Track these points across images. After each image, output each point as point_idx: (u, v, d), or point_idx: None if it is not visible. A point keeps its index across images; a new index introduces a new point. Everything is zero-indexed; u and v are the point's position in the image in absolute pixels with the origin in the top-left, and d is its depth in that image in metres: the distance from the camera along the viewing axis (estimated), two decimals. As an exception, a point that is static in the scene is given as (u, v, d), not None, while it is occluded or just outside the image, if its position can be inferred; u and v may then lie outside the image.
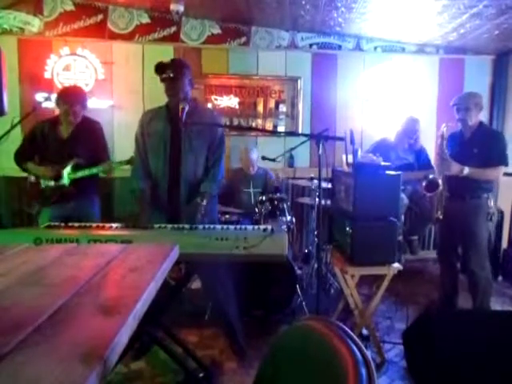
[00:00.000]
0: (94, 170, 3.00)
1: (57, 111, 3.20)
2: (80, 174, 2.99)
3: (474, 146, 2.99)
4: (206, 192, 2.55)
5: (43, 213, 3.09)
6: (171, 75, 2.48)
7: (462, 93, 3.29)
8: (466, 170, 2.88)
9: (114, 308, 0.87)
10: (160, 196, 2.61)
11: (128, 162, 3.02)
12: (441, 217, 3.22)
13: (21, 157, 3.07)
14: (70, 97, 3.02)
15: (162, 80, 2.51)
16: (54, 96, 3.28)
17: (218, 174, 2.63)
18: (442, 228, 3.37)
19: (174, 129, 2.55)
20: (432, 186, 3.07)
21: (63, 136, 3.07)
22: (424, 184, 3.11)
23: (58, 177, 2.99)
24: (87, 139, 3.08)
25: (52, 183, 3.02)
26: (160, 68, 2.47)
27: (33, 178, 3.07)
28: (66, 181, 3.00)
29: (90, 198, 3.18)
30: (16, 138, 3.25)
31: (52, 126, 3.08)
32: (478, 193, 3.02)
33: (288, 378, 0.96)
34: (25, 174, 3.18)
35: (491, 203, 3.06)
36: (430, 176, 3.06)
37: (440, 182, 3.03)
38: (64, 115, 3.01)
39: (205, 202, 2.51)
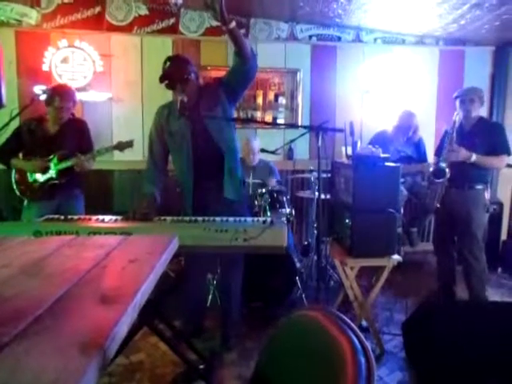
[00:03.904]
0: (82, 158, 3.00)
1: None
2: (67, 163, 2.99)
3: (475, 136, 3.03)
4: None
5: (29, 208, 3.09)
6: (180, 90, 2.35)
7: (462, 85, 3.29)
8: (474, 157, 2.93)
9: (114, 298, 0.87)
10: (185, 194, 2.54)
11: (115, 147, 3.03)
12: (438, 205, 3.24)
13: (4, 154, 3.08)
14: (66, 94, 3.07)
15: (170, 89, 2.40)
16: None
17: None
18: (439, 217, 3.40)
19: (194, 125, 2.44)
20: (439, 172, 3.07)
21: (51, 132, 3.09)
22: (432, 170, 3.12)
23: (46, 169, 3.00)
24: (74, 136, 3.12)
25: (39, 176, 3.03)
26: (164, 78, 2.35)
27: (17, 176, 3.08)
28: (53, 171, 3.01)
29: (75, 194, 3.21)
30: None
31: (38, 123, 3.10)
32: (475, 183, 3.06)
33: (287, 368, 0.96)
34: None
35: (487, 195, 3.09)
36: (442, 164, 3.05)
37: (447, 170, 3.02)
38: (56, 112, 3.03)
39: None
